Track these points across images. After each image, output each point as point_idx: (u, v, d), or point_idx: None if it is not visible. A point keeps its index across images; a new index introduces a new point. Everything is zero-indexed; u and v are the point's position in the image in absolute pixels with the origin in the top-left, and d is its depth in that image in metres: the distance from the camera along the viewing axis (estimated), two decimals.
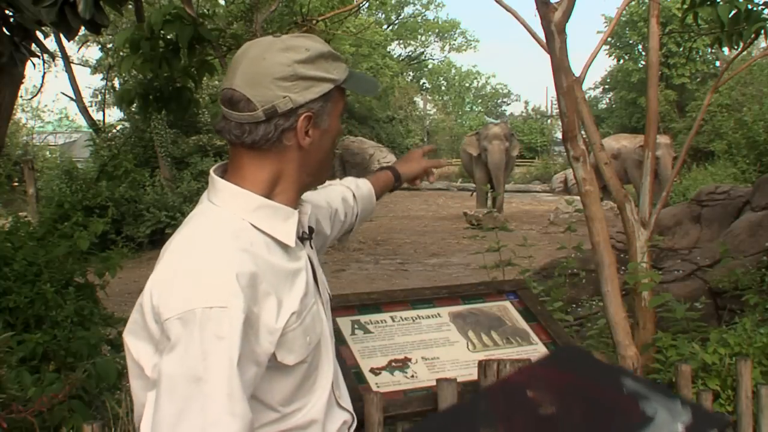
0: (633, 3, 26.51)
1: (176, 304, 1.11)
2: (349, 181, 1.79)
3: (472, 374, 1.86)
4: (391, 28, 40.82)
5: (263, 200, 1.26)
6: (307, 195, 1.59)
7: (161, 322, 1.11)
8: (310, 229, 1.40)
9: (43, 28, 3.81)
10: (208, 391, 1.07)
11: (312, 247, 1.39)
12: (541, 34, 3.16)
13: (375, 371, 1.88)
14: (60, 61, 17.86)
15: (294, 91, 1.23)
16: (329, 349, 1.37)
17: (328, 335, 1.38)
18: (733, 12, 3.53)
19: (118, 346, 3.98)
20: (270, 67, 1.23)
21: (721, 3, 3.57)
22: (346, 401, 1.43)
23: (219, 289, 1.11)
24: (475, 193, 18.49)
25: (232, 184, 1.26)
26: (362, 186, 1.80)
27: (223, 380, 1.08)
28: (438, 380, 1.81)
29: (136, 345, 1.17)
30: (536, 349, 2.07)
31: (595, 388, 1.27)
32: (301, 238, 1.36)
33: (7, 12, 3.63)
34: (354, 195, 1.76)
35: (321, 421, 1.32)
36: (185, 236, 1.22)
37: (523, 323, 2.16)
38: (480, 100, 53.64)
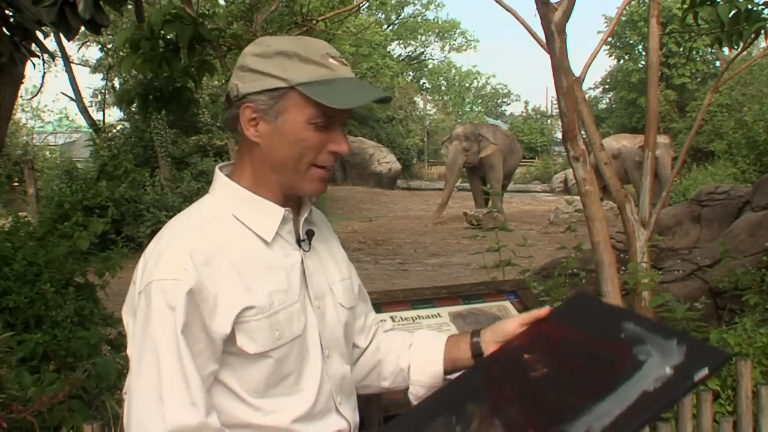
0: (633, 3, 26.52)
1: (142, 279, 1.23)
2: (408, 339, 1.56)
3: None
4: (391, 28, 40.83)
5: (248, 194, 1.32)
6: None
7: (136, 295, 1.24)
8: (310, 232, 1.39)
9: (43, 28, 3.81)
10: (162, 359, 1.17)
11: (308, 249, 1.38)
12: (541, 34, 3.17)
13: None
14: (60, 61, 17.85)
15: (243, 81, 1.29)
16: (318, 356, 1.34)
17: (317, 341, 1.35)
18: (733, 12, 3.53)
19: (118, 346, 3.98)
20: (242, 55, 1.33)
21: (721, 3, 3.57)
22: (348, 409, 1.41)
23: (173, 263, 1.21)
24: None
25: (225, 176, 1.35)
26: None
27: (173, 347, 1.18)
28: None
29: (127, 321, 1.26)
30: None
31: (592, 340, 1.28)
32: (298, 241, 1.37)
33: (7, 12, 3.64)
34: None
35: (303, 428, 1.31)
36: (170, 221, 1.35)
37: None
38: (480, 100, 53.67)
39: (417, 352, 1.51)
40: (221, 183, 1.35)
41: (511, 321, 1.43)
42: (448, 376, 1.47)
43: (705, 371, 1.08)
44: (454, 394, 1.36)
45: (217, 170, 1.37)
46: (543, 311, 1.40)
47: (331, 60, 1.28)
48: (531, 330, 1.39)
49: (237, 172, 1.35)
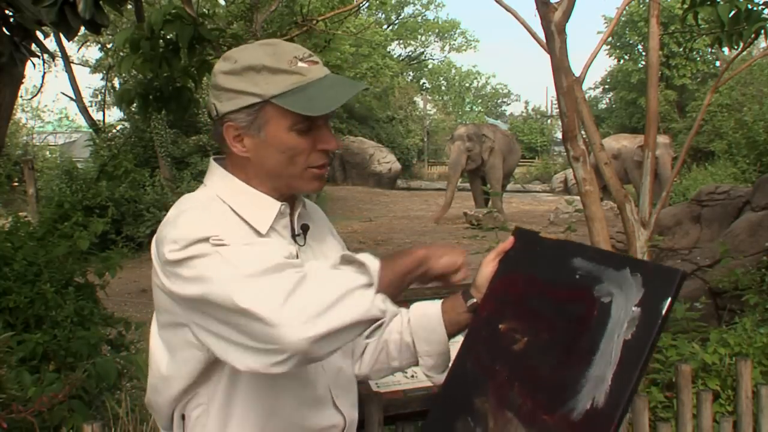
0: (633, 3, 26.52)
1: (159, 258, 1.24)
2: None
3: None
4: (391, 28, 40.80)
5: (244, 186, 1.33)
6: None
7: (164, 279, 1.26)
8: (305, 226, 1.40)
9: (43, 28, 3.81)
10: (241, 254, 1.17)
11: (302, 244, 1.39)
12: (541, 34, 3.17)
13: None
14: (60, 61, 17.84)
15: (219, 100, 1.30)
16: None
17: None
18: (733, 12, 3.53)
19: (118, 346, 3.98)
20: (213, 74, 1.33)
21: (721, 3, 3.57)
22: (345, 404, 1.41)
23: (189, 226, 1.22)
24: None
25: (222, 168, 1.35)
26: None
27: (228, 257, 1.18)
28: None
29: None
30: None
31: (551, 288, 1.29)
32: (293, 235, 1.38)
33: (7, 12, 3.64)
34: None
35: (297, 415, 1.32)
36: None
37: None
38: (480, 100, 53.65)
39: (417, 324, 1.50)
40: (218, 174, 1.35)
41: (483, 266, 1.45)
42: (453, 340, 1.48)
43: (668, 302, 1.10)
44: (457, 389, 1.37)
45: (212, 162, 1.38)
46: (507, 243, 1.45)
47: (301, 63, 1.26)
48: (493, 290, 1.41)
49: (232, 169, 1.35)
